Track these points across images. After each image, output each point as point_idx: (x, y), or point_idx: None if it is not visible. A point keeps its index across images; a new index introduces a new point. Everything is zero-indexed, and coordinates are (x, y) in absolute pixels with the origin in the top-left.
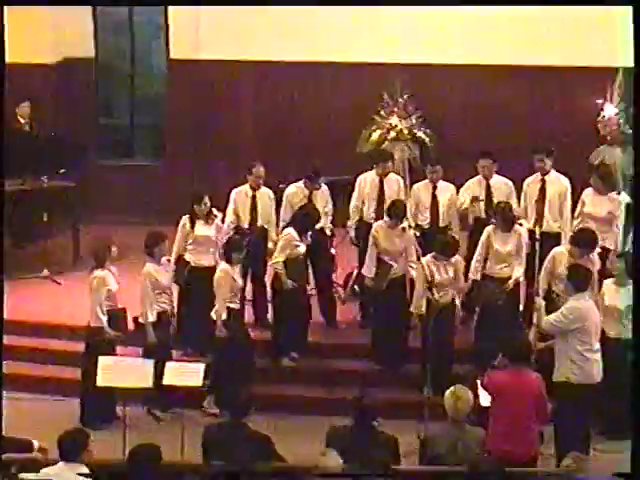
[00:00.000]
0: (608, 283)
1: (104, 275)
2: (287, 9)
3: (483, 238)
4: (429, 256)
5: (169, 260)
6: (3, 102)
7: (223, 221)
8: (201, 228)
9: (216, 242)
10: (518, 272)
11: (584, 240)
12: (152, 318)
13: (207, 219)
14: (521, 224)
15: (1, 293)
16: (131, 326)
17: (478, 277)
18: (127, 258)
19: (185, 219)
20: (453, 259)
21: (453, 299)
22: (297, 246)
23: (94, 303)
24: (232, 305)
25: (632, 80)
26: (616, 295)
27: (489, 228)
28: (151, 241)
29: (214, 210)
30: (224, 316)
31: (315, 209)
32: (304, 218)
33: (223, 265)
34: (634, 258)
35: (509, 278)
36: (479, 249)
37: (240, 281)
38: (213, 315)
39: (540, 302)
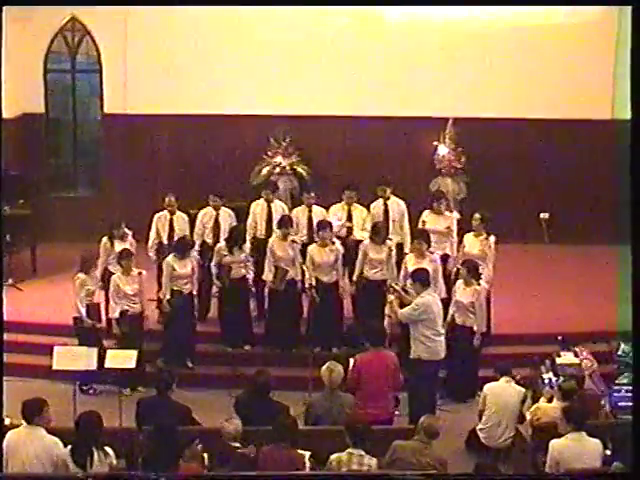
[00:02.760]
0: (458, 283)
1: (85, 277)
2: (196, 73)
3: (361, 249)
4: (315, 245)
5: (140, 273)
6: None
7: (134, 237)
8: (118, 245)
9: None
10: (389, 275)
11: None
12: (116, 315)
13: (122, 238)
14: (390, 239)
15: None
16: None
17: (354, 278)
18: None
19: (105, 239)
20: (333, 247)
21: (337, 280)
22: (224, 256)
23: (76, 298)
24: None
25: None
26: (463, 293)
27: (365, 242)
28: (121, 256)
29: (126, 229)
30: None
31: (242, 229)
32: (232, 235)
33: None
34: (633, 258)
35: (380, 281)
36: (359, 258)
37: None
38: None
39: (390, 297)
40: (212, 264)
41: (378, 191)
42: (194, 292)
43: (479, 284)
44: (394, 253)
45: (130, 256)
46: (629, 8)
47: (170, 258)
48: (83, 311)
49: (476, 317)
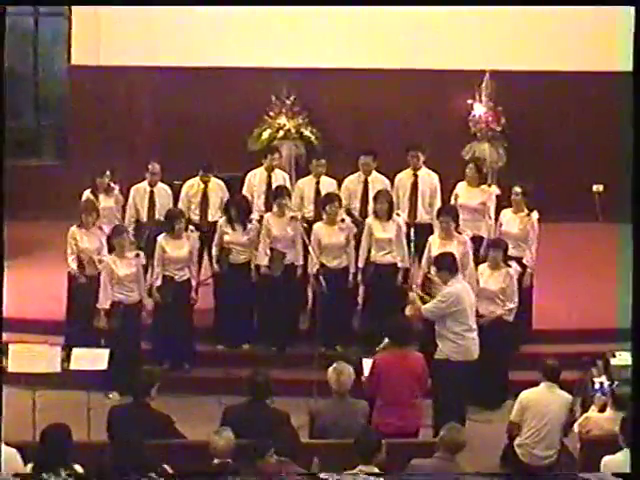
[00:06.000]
0: (482, 267)
1: (75, 231)
2: (184, 17)
3: (365, 229)
4: (321, 222)
5: (138, 255)
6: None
7: (121, 192)
8: (103, 200)
9: (115, 213)
10: (399, 259)
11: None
12: (106, 306)
13: (107, 191)
14: (399, 214)
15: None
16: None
17: (361, 264)
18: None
19: (87, 193)
20: (343, 225)
21: (346, 265)
22: (226, 233)
23: (67, 253)
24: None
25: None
26: (489, 278)
27: (369, 219)
28: (112, 234)
29: (112, 184)
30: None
31: (244, 199)
32: (233, 208)
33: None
34: (634, 254)
35: (390, 264)
36: (363, 239)
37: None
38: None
39: (413, 295)
40: (213, 244)
41: (408, 159)
42: (192, 281)
43: (510, 266)
44: (404, 231)
45: (122, 233)
46: None
47: (161, 237)
48: (73, 265)
49: (505, 305)
